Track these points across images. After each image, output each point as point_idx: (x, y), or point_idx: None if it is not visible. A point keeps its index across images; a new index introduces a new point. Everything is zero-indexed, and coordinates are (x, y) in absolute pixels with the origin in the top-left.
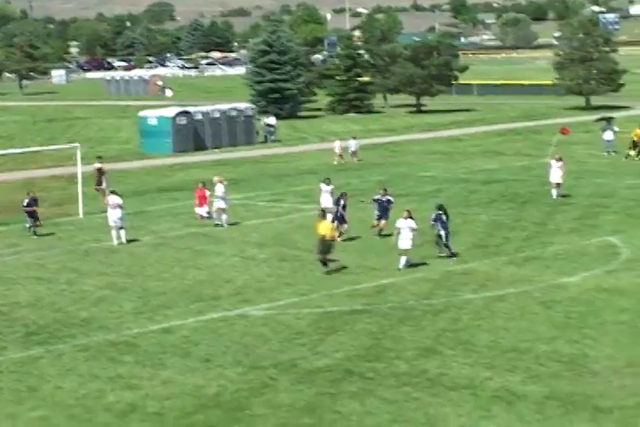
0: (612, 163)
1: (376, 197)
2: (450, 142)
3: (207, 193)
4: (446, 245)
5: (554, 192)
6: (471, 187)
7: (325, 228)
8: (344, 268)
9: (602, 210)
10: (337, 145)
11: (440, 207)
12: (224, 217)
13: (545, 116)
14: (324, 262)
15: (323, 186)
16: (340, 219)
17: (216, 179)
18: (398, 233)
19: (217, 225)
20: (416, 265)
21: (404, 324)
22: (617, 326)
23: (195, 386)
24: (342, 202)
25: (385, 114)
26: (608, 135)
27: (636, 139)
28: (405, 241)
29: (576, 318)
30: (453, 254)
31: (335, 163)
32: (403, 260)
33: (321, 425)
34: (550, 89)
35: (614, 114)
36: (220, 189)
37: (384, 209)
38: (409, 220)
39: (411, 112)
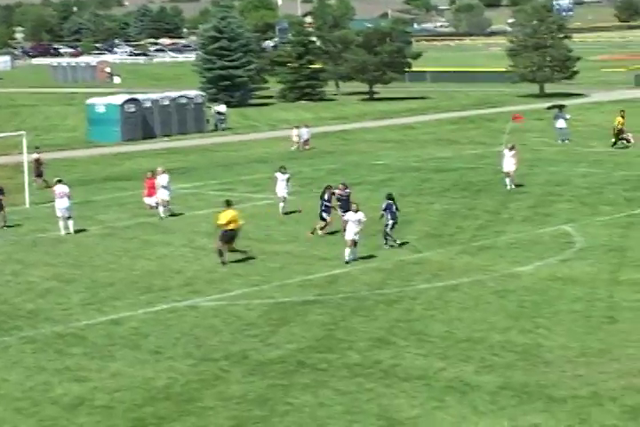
0: (566, 151)
1: (336, 191)
2: (402, 130)
3: (157, 183)
4: (388, 235)
5: (507, 181)
6: (424, 175)
7: (227, 217)
8: (249, 258)
9: (555, 198)
10: (294, 133)
11: (390, 197)
12: (161, 209)
13: (498, 104)
14: (221, 253)
15: (278, 175)
16: (325, 212)
17: (160, 169)
18: (346, 224)
19: (171, 215)
20: (369, 256)
21: (356, 314)
22: (570, 316)
23: (144, 378)
24: (327, 196)
25: (337, 101)
26: (560, 123)
27: (620, 127)
28: (352, 233)
29: (530, 308)
30: (391, 245)
31: (293, 149)
32: (347, 251)
33: (273, 417)
34: (504, 76)
35: (568, 102)
36: (164, 179)
37: (347, 204)
38: (358, 213)
39: (363, 100)
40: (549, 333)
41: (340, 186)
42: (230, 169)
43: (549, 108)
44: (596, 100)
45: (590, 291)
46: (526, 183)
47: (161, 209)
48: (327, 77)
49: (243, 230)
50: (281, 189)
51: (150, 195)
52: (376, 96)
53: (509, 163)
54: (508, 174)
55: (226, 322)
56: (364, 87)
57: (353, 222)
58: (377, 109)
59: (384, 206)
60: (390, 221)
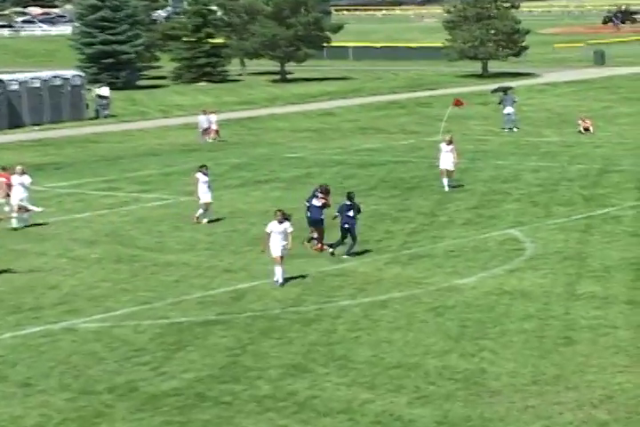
0: (514, 141)
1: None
2: (321, 117)
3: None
4: (337, 244)
5: (444, 182)
6: (347, 171)
7: None
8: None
9: (502, 198)
10: (213, 119)
11: (350, 196)
12: (15, 214)
13: (434, 86)
14: None
15: (200, 176)
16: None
17: (19, 168)
18: (268, 237)
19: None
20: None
21: (267, 337)
22: (520, 336)
23: (11, 417)
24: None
25: (243, 83)
26: (508, 109)
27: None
28: (278, 248)
29: (472, 327)
30: (332, 253)
31: (210, 140)
32: (278, 271)
33: None
34: (440, 53)
35: (516, 83)
36: (25, 179)
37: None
38: (284, 223)
39: (274, 81)
40: (496, 357)
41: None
42: (114, 164)
43: (495, 91)
44: (548, 81)
45: (543, 307)
46: (467, 180)
47: (15, 215)
48: (230, 54)
49: (129, 237)
50: (203, 193)
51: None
52: (289, 77)
53: (447, 159)
54: (445, 173)
55: (110, 347)
56: (275, 66)
57: (277, 234)
58: (290, 93)
59: (338, 208)
60: (347, 226)
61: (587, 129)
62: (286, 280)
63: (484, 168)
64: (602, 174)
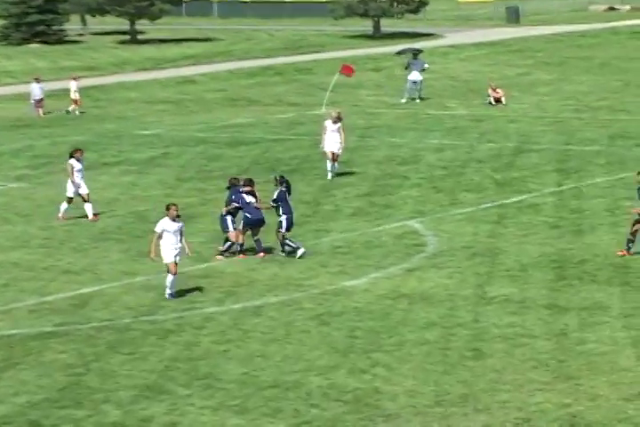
0: (414, 114)
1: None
2: (180, 86)
3: None
4: (285, 238)
5: (329, 166)
6: (212, 151)
7: None
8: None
9: (399, 182)
10: (73, 86)
11: (283, 180)
12: None
13: (317, 49)
14: None
15: (74, 162)
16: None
17: None
18: (159, 238)
19: None
20: (132, 269)
21: (116, 352)
22: (421, 348)
23: None
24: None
25: (84, 45)
26: (414, 75)
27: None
28: (172, 251)
29: (363, 338)
30: (289, 252)
31: (70, 111)
32: (170, 280)
33: None
34: (324, 9)
35: (415, 45)
36: None
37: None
38: (177, 220)
39: (122, 42)
40: (391, 373)
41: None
42: None
43: (401, 52)
44: (452, 43)
45: (448, 313)
46: (358, 162)
47: None
48: (69, 10)
49: None
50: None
51: None
52: (140, 37)
53: (333, 140)
54: (331, 156)
55: None
56: (123, 24)
57: (171, 235)
58: (142, 56)
59: (276, 195)
60: (284, 218)
61: (498, 100)
62: (140, 284)
63: (377, 147)
64: (517, 154)
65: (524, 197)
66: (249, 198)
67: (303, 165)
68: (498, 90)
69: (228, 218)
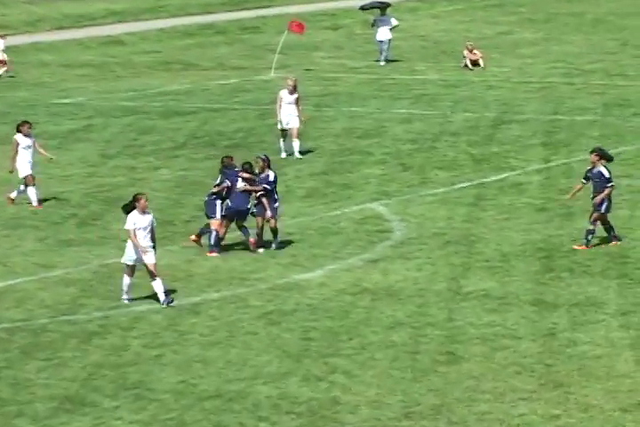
0: (377, 80)
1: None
2: (104, 47)
3: None
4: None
5: (282, 144)
6: (143, 122)
7: None
8: None
9: (360, 159)
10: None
11: (267, 158)
12: None
13: (264, 3)
14: None
15: (20, 138)
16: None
17: None
18: (136, 237)
19: None
20: (51, 261)
21: (31, 357)
22: (387, 352)
23: None
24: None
25: None
26: (382, 34)
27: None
28: (148, 249)
29: (320, 340)
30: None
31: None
32: (158, 286)
33: None
34: None
35: None
36: None
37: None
38: (146, 214)
39: None
40: (352, 381)
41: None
42: None
43: (364, 8)
44: None
45: (418, 311)
46: (312, 134)
47: None
48: None
49: None
50: (24, 162)
51: None
52: None
53: (290, 114)
54: (287, 133)
55: None
56: None
57: (142, 231)
58: (60, 13)
59: (273, 178)
60: (276, 204)
61: (475, 63)
62: (58, 278)
63: (335, 118)
64: (497, 126)
65: (505, 175)
66: (240, 183)
67: (249, 139)
68: (475, 51)
69: (218, 202)
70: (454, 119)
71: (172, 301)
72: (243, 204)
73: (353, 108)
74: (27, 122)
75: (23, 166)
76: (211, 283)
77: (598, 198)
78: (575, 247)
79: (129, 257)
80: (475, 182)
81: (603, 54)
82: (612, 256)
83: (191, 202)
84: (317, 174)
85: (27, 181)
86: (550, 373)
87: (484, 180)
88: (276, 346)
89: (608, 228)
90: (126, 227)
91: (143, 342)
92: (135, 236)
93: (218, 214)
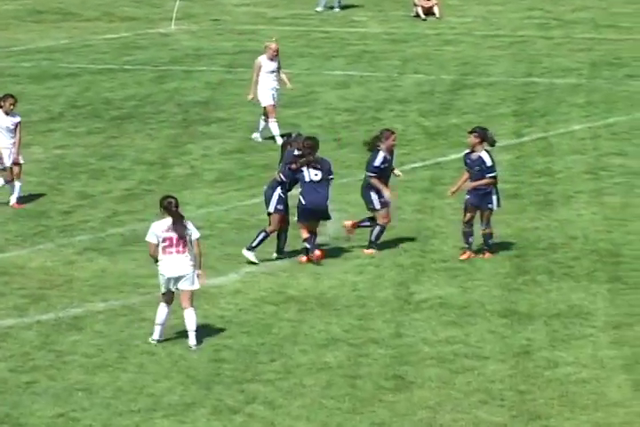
0: (308, 33)
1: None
2: None
3: None
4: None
5: (261, 124)
6: (9, 87)
7: None
8: None
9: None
10: None
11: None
12: None
13: None
14: None
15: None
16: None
17: None
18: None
19: None
20: None
21: None
22: (319, 376)
23: None
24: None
25: None
26: None
27: None
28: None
29: (234, 363)
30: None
31: None
32: (190, 317)
33: None
34: None
35: None
36: None
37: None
38: (187, 222)
39: None
40: (275, 413)
41: (297, 140)
42: None
43: None
44: None
45: (358, 324)
46: (223, 103)
47: None
48: None
49: None
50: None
51: None
52: None
53: (270, 86)
54: (271, 110)
55: None
56: None
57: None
58: None
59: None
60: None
61: (429, 11)
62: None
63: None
64: (457, 91)
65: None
66: (312, 173)
67: (143, 108)
68: None
69: (276, 193)
70: (403, 83)
71: (196, 344)
72: (320, 200)
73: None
74: (9, 95)
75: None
76: (96, 290)
77: (471, 185)
78: (464, 257)
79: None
80: (429, 162)
81: (588, 0)
82: (600, 255)
83: (71, 188)
84: (230, 153)
85: (11, 175)
86: (524, 401)
87: (441, 159)
88: (178, 370)
89: (468, 232)
90: (148, 239)
91: (10, 365)
92: (156, 250)
93: (272, 208)
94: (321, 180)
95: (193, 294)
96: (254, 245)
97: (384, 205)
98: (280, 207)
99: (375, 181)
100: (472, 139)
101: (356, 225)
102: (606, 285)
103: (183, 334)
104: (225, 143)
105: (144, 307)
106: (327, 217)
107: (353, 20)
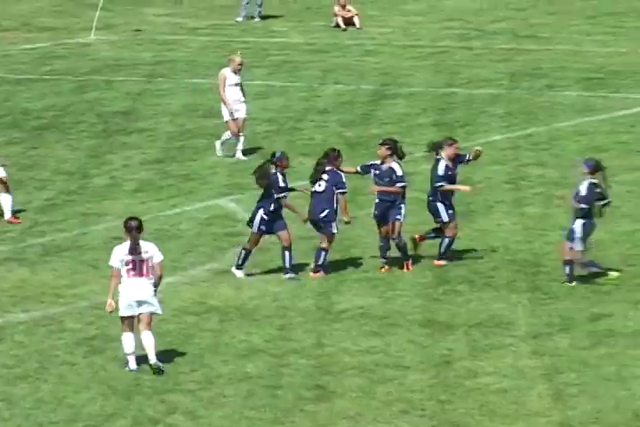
0: (227, 43)
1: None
2: None
3: None
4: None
5: (224, 139)
6: None
7: None
8: None
9: (205, 144)
10: None
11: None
12: None
13: None
14: None
15: None
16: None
17: None
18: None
19: None
20: None
21: None
22: (239, 386)
23: None
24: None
25: None
26: None
27: None
28: (138, 295)
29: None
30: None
31: None
32: (148, 343)
33: None
34: None
35: None
36: None
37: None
38: (148, 244)
39: None
40: (195, 423)
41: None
42: None
43: None
44: None
45: (279, 334)
46: (143, 113)
47: None
48: None
49: None
50: None
51: None
52: None
53: (236, 99)
54: (239, 125)
55: None
56: None
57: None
58: None
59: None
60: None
61: (350, 22)
62: None
63: (173, 91)
64: (377, 101)
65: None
66: (317, 185)
67: (62, 118)
68: (348, 7)
69: (259, 213)
70: (323, 93)
71: (159, 368)
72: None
73: (195, 80)
74: None
75: None
76: (16, 301)
77: (378, 189)
78: (383, 271)
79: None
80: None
81: (509, 10)
82: (520, 265)
83: None
84: (150, 163)
85: None
86: (445, 411)
87: None
88: (99, 380)
89: (384, 246)
90: (111, 263)
91: None
92: (118, 277)
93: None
94: (323, 191)
95: (151, 318)
96: (240, 263)
97: (452, 217)
98: (261, 228)
99: (446, 187)
100: (383, 151)
101: (423, 238)
102: (526, 294)
103: (104, 344)
104: (145, 153)
105: (64, 317)
106: (319, 228)
107: (273, 30)
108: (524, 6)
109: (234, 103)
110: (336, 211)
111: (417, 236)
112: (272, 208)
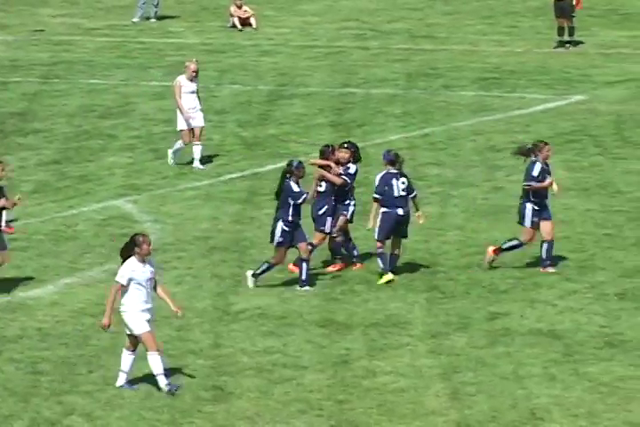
0: (124, 44)
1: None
2: None
3: None
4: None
5: (177, 147)
6: None
7: None
8: None
9: (101, 144)
10: None
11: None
12: None
13: None
14: None
15: None
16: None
17: None
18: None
19: None
20: None
21: None
22: (136, 390)
23: None
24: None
25: None
26: None
27: None
28: (143, 314)
29: (52, 374)
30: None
31: None
32: (155, 363)
33: None
34: None
35: None
36: None
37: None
38: (148, 261)
39: None
40: (93, 424)
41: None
42: None
43: None
44: None
45: (177, 335)
46: (39, 114)
47: None
48: None
49: None
50: None
51: None
52: None
53: (192, 107)
54: (196, 134)
55: None
56: None
57: (140, 286)
58: None
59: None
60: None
61: (246, 22)
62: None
63: (69, 92)
64: (274, 101)
65: (284, 162)
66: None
67: None
68: (244, 7)
69: (279, 225)
70: (219, 94)
71: (174, 389)
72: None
73: (91, 81)
74: None
75: None
76: None
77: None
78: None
79: (139, 326)
80: (247, 173)
81: (405, 11)
82: (418, 265)
83: None
84: (47, 164)
85: None
86: (343, 411)
87: (259, 169)
88: (2, 385)
89: (344, 247)
90: (117, 278)
91: None
92: (118, 291)
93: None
94: (324, 191)
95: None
96: (258, 272)
97: (534, 225)
98: (281, 240)
99: (534, 186)
100: (343, 154)
101: (499, 250)
102: (424, 294)
103: (0, 346)
104: (41, 154)
105: None
106: (317, 228)
107: (169, 30)
108: (421, 6)
109: (190, 111)
110: (335, 210)
111: (492, 248)
112: (291, 218)
